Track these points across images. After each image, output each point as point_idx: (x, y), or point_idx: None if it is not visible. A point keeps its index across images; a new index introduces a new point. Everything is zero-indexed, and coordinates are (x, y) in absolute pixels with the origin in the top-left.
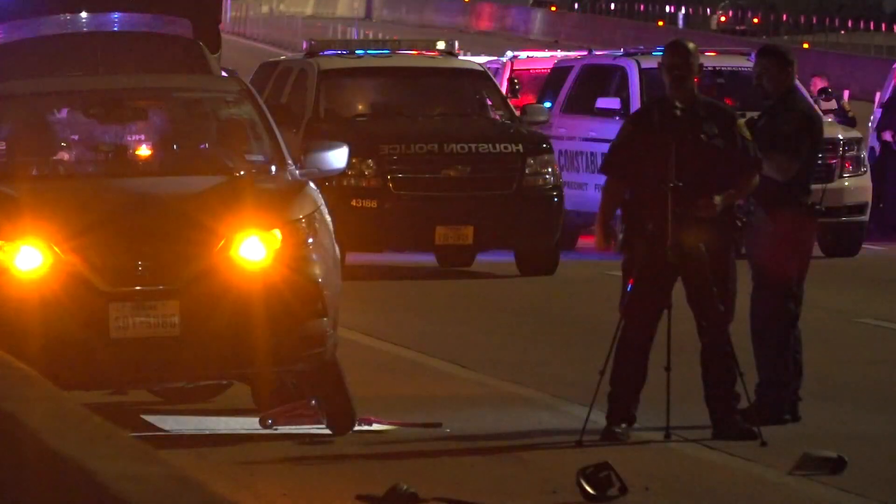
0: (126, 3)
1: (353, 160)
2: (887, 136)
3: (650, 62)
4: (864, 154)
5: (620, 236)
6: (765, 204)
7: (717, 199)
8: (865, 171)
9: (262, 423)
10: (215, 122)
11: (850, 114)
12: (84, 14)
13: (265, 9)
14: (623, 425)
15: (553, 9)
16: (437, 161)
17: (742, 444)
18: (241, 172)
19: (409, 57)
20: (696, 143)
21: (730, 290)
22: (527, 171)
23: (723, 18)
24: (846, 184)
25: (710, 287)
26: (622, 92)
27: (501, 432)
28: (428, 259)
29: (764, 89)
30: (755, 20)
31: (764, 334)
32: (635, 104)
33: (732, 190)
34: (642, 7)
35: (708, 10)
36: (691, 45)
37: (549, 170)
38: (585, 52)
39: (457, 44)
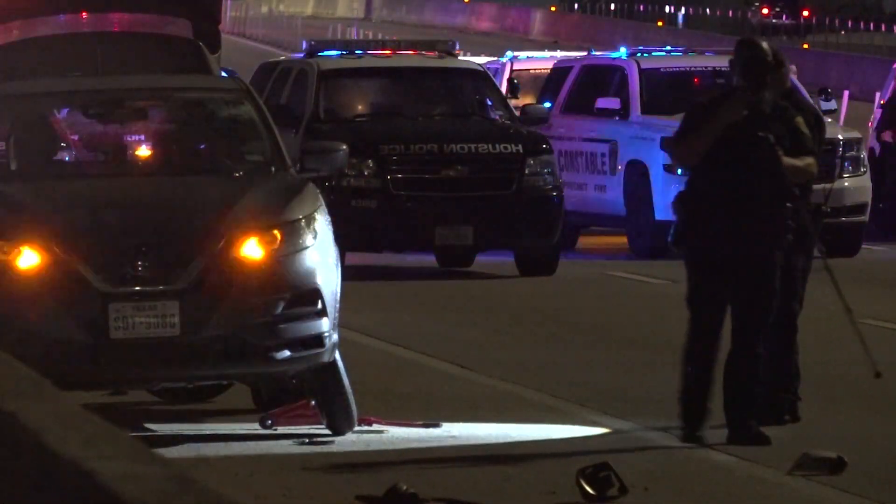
0: (126, 3)
1: (353, 160)
2: (887, 136)
3: (650, 62)
4: (864, 154)
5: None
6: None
7: (787, 160)
8: (865, 171)
9: (262, 424)
10: (215, 122)
11: None
12: (84, 14)
13: (265, 9)
14: (703, 427)
15: (553, 9)
16: (437, 161)
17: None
18: (241, 172)
19: (409, 57)
20: (757, 137)
21: (775, 290)
22: (527, 171)
23: (765, 11)
24: (846, 184)
25: (761, 285)
26: (622, 92)
27: (501, 432)
28: (428, 259)
29: None
30: (804, 13)
31: (768, 334)
32: (635, 104)
33: (795, 162)
34: (642, 7)
35: (708, 10)
36: (765, 44)
37: (549, 170)
38: (585, 53)
39: (457, 44)
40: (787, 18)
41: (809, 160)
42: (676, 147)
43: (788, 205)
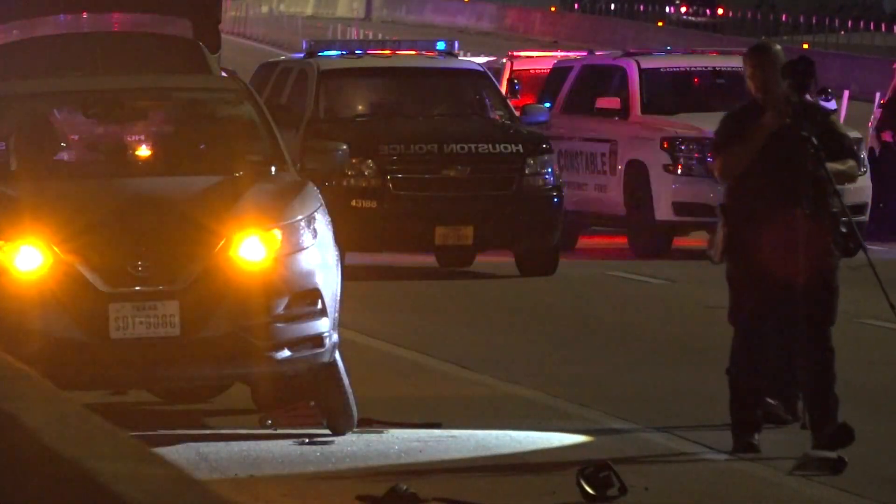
0: (126, 3)
1: (353, 160)
2: (887, 136)
3: (650, 62)
4: (864, 154)
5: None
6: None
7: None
8: (865, 171)
9: (262, 424)
10: (215, 122)
11: None
12: (84, 14)
13: (265, 9)
14: (756, 436)
15: (553, 9)
16: (437, 161)
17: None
18: (241, 172)
19: (409, 57)
20: (800, 142)
21: (835, 289)
22: (527, 171)
23: (683, 8)
24: (846, 184)
25: (819, 291)
26: (622, 92)
27: (501, 432)
28: (428, 259)
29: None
30: (719, 11)
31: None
32: (635, 104)
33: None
34: (642, 7)
35: (708, 10)
36: (777, 48)
37: (549, 170)
38: (585, 53)
39: (457, 44)
40: (703, 16)
41: (851, 163)
42: (719, 160)
43: (835, 210)
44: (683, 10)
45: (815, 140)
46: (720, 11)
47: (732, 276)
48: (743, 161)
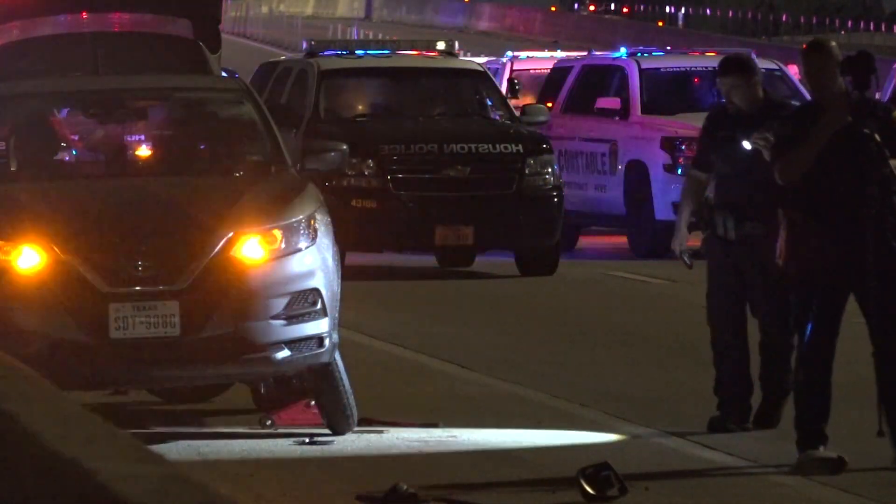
0: (126, 3)
1: (353, 160)
2: None
3: (650, 62)
4: None
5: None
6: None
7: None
8: None
9: (262, 424)
10: (215, 122)
11: None
12: (84, 14)
13: (265, 9)
14: (821, 447)
15: (553, 9)
16: (437, 161)
17: (742, 444)
18: (241, 172)
19: (409, 57)
20: (862, 140)
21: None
22: (527, 171)
23: (592, 7)
24: None
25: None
26: (622, 92)
27: (501, 432)
28: (428, 259)
29: (735, 106)
30: (624, 10)
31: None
32: (635, 104)
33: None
34: (642, 7)
35: (708, 10)
36: (832, 44)
37: (549, 170)
38: (585, 53)
39: (457, 44)
40: (609, 13)
41: None
42: (781, 163)
43: None
44: (592, 8)
45: (877, 137)
46: (625, 10)
47: (798, 280)
48: (806, 163)
